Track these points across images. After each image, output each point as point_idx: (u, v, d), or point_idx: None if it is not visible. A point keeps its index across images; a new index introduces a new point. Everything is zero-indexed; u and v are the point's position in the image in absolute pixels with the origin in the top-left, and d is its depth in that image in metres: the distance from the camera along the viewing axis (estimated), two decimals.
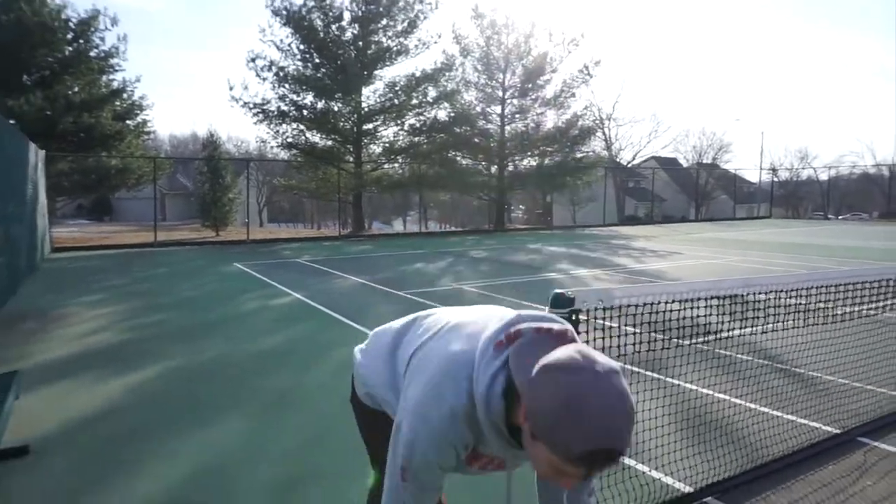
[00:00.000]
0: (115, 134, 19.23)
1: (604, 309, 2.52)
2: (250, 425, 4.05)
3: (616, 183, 45.23)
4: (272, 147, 24.69)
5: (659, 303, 2.72)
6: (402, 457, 1.33)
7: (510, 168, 27.71)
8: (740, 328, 3.35)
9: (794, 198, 54.35)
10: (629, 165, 50.66)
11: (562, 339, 1.26)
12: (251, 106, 22.17)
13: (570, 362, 1.09)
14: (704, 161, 54.41)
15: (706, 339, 5.67)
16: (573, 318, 2.41)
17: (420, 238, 21.78)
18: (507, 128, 26.53)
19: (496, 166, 26.87)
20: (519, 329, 1.27)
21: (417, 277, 11.00)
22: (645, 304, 2.69)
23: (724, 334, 5.74)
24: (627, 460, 3.46)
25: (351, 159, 24.09)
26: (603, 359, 1.12)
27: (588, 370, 1.07)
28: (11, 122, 13.93)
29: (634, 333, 2.81)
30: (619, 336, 2.73)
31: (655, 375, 4.79)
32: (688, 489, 3.10)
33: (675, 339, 3.51)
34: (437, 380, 1.31)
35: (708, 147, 56.14)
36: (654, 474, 3.30)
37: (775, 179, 46.08)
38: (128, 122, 20.73)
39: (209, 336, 6.48)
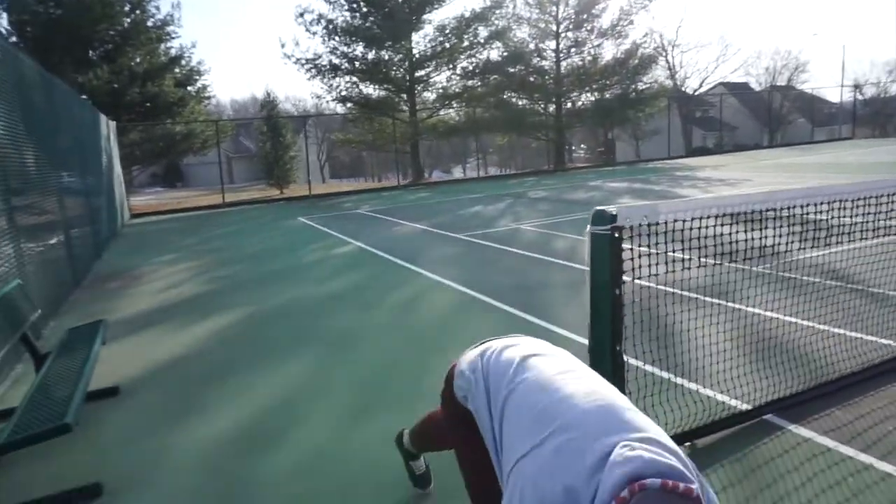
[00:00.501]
0: (177, 101, 19.86)
1: (649, 225, 2.47)
2: (319, 361, 4.26)
3: (682, 113, 43.19)
4: (327, 102, 24.86)
5: (709, 217, 2.64)
6: None
7: (568, 106, 26.92)
8: (805, 249, 3.20)
9: (881, 116, 50.36)
10: (695, 94, 48.13)
11: (687, 501, 1.16)
12: (303, 62, 22.33)
13: None
14: (779, 83, 50.97)
15: (768, 261, 5.47)
16: (616, 235, 2.38)
17: (479, 182, 21.66)
18: (563, 63, 25.63)
19: (553, 105, 26.14)
20: (644, 484, 1.17)
21: (475, 220, 11.02)
22: (693, 220, 2.61)
23: (791, 257, 5.52)
24: (682, 380, 3.45)
25: (405, 108, 24.00)
26: None
27: None
28: (83, 97, 14.64)
29: (685, 259, 2.76)
30: (668, 262, 2.68)
31: (715, 301, 4.69)
32: (745, 406, 3.07)
33: (734, 263, 3.41)
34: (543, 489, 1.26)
35: (782, 68, 52.37)
36: (709, 392, 3.28)
37: (859, 97, 42.73)
38: (188, 88, 21.34)
39: (277, 284, 6.77)
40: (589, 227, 2.39)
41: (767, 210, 2.81)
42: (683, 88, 47.01)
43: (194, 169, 40.84)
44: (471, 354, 1.83)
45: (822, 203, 3.01)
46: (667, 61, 45.02)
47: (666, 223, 2.54)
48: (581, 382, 1.52)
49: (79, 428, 3.37)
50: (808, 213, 3.03)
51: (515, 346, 1.74)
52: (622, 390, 2.53)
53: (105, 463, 2.98)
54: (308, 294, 6.24)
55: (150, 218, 15.86)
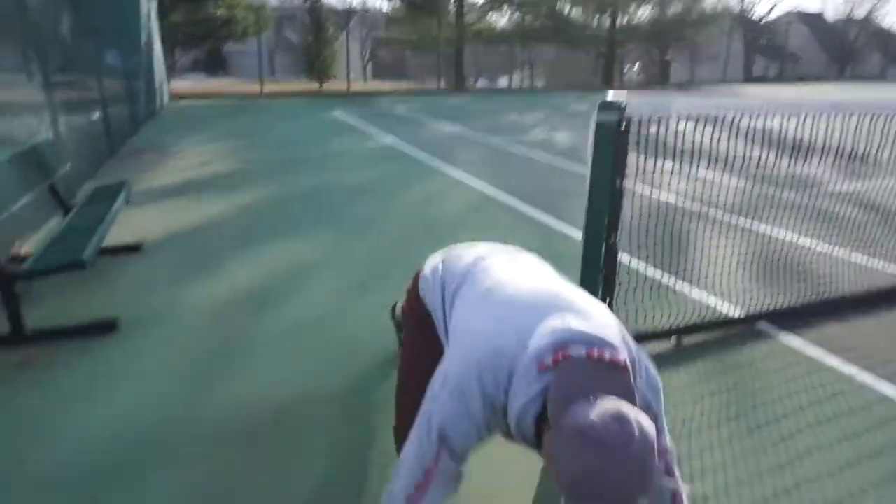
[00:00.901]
0: None
1: (658, 120, 2.42)
2: (334, 239, 4.39)
3: (745, 39, 40.63)
4: None
5: (724, 120, 2.56)
6: (438, 427, 1.30)
7: (623, 21, 25.54)
8: (827, 170, 3.09)
9: None
10: (762, 21, 45.03)
11: (613, 371, 1.17)
12: None
13: (606, 433, 1.03)
14: (856, 16, 47.24)
15: (789, 183, 5.32)
16: (622, 127, 2.34)
17: (521, 94, 21.07)
18: None
19: (608, 17, 24.84)
20: (568, 353, 1.18)
21: (510, 127, 10.83)
22: (707, 122, 2.53)
23: (826, 187, 5.36)
24: (675, 280, 3.47)
25: (452, 9, 23.08)
26: (640, 430, 1.05)
27: (620, 450, 1.02)
28: None
29: (691, 166, 2.71)
30: (675, 166, 2.64)
31: (733, 220, 4.63)
32: (738, 312, 3.10)
33: (747, 180, 3.33)
34: (481, 362, 1.28)
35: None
36: (702, 295, 3.31)
37: None
38: None
39: (305, 171, 6.87)
40: (595, 115, 2.35)
41: (790, 116, 2.71)
42: (750, 14, 43.96)
43: (237, 57, 40.38)
44: (435, 257, 1.85)
45: (852, 115, 2.88)
46: None
47: (678, 122, 2.48)
48: (535, 274, 1.56)
49: (100, 275, 3.61)
50: (833, 129, 2.92)
51: (476, 247, 1.78)
52: (612, 282, 2.58)
53: (123, 306, 3.19)
54: (333, 182, 6.32)
55: (189, 101, 15.95)
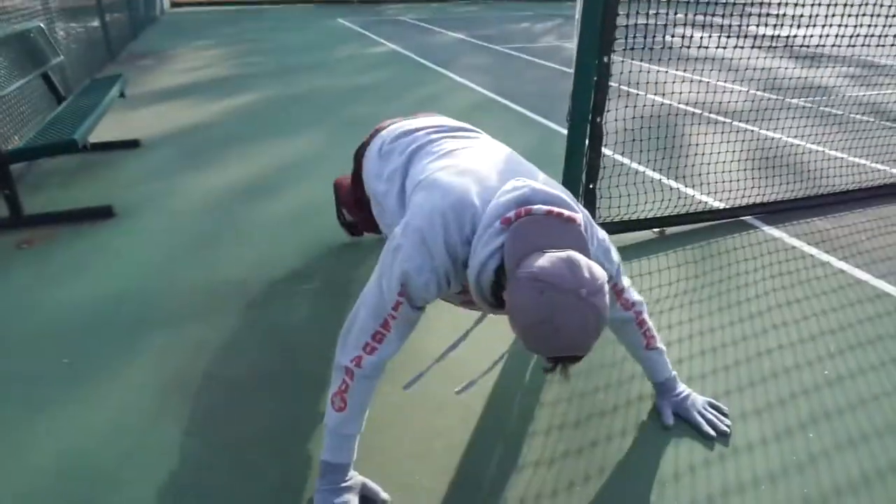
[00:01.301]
0: None
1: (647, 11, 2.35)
2: (329, 137, 4.38)
3: None
4: None
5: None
6: (399, 275, 1.31)
7: None
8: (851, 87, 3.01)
9: None
10: None
11: (570, 228, 1.21)
12: None
13: (558, 279, 1.08)
14: None
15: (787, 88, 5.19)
16: None
17: (537, 1, 20.21)
18: None
19: None
20: (530, 209, 1.22)
21: (518, 35, 10.47)
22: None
23: (839, 94, 5.21)
24: (661, 176, 3.48)
25: None
26: (590, 275, 1.10)
27: (572, 293, 1.06)
28: None
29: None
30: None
31: (738, 123, 4.56)
32: (722, 205, 3.12)
33: (740, 85, 3.25)
34: (445, 213, 1.30)
35: None
36: (689, 190, 3.33)
37: None
38: None
39: (305, 75, 6.75)
40: None
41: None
42: None
43: None
44: (379, 135, 1.86)
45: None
46: None
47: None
48: (497, 146, 1.62)
49: (97, 168, 3.66)
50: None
51: (433, 117, 1.82)
52: (596, 165, 2.59)
53: (119, 196, 3.25)
54: (333, 84, 6.23)
55: (191, 8, 15.49)
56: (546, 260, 1.11)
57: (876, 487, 1.50)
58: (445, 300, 1.55)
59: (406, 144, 1.68)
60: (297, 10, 15.18)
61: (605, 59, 2.36)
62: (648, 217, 2.85)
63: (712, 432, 1.65)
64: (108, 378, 1.86)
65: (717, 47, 3.40)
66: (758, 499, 1.46)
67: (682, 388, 1.75)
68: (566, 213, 1.23)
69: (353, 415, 1.39)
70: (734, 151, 3.81)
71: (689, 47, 4.89)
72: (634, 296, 1.61)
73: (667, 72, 5.36)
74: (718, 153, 3.61)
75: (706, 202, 3.22)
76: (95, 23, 7.01)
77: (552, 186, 1.37)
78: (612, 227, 2.76)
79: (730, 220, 3.03)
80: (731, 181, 3.36)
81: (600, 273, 1.12)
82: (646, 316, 1.64)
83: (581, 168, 2.56)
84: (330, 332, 2.07)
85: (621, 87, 3.89)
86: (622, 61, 6.14)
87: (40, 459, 1.55)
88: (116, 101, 3.92)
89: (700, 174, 3.53)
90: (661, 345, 1.69)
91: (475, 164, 1.45)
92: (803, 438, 1.66)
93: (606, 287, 1.13)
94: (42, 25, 3.92)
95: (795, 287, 2.44)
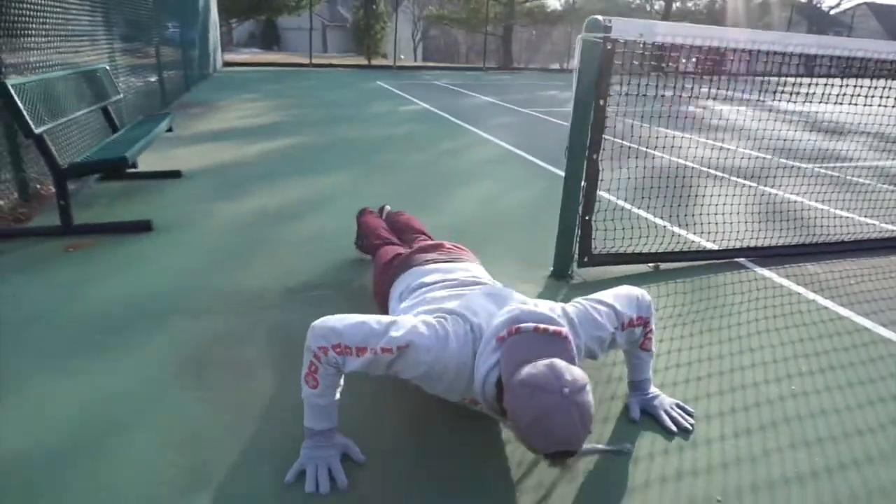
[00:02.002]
0: None
1: (643, 44, 2.60)
2: (355, 178, 4.70)
3: (809, 30, 39.13)
4: None
5: (709, 49, 2.73)
6: (406, 340, 1.49)
7: (676, 5, 25.06)
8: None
9: None
10: (831, 12, 43.24)
11: (555, 340, 1.41)
12: None
13: (544, 382, 1.27)
14: None
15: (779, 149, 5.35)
16: (607, 45, 2.54)
17: (568, 73, 20.95)
18: None
19: (662, 2, 24.41)
20: (519, 327, 1.43)
21: (545, 100, 10.95)
22: (693, 50, 2.71)
23: (842, 162, 5.37)
24: (656, 218, 3.65)
25: None
26: (572, 377, 1.28)
27: (557, 393, 1.27)
28: None
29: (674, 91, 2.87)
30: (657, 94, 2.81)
31: (736, 178, 4.73)
32: (719, 246, 3.27)
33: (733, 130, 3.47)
34: (454, 331, 1.52)
35: None
36: (682, 232, 3.49)
37: None
38: None
39: (340, 126, 7.20)
40: (582, 33, 2.56)
41: (775, 54, 2.85)
42: (817, 3, 42.27)
43: (292, 34, 41.06)
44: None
45: (839, 54, 2.99)
46: None
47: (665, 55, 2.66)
48: (492, 282, 1.95)
49: (142, 193, 4.01)
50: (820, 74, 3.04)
51: (460, 263, 2.11)
52: (593, 196, 2.79)
53: (159, 214, 3.56)
54: (366, 135, 6.64)
55: (241, 68, 16.54)
56: (533, 367, 1.32)
57: (822, 481, 1.60)
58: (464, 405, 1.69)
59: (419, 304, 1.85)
60: (339, 73, 16.09)
61: (601, 102, 2.61)
62: (643, 252, 3.02)
63: (674, 427, 1.79)
64: (132, 354, 2.08)
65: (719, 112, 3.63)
66: (709, 482, 1.58)
67: (654, 390, 1.90)
68: (551, 328, 1.44)
69: (325, 390, 1.56)
70: (731, 204, 3.98)
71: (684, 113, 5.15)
72: (649, 312, 1.80)
73: (667, 131, 5.63)
74: (715, 204, 3.79)
75: (700, 243, 3.38)
76: (153, 77, 7.66)
77: (539, 305, 1.59)
78: (607, 259, 2.94)
79: (722, 260, 3.18)
80: (725, 224, 3.52)
81: (581, 375, 1.31)
82: (653, 323, 1.81)
83: (578, 201, 2.77)
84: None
85: (620, 141, 4.15)
86: (619, 118, 6.43)
87: (66, 411, 1.76)
88: (163, 139, 4.33)
89: (696, 218, 3.71)
90: (653, 349, 1.87)
91: (481, 293, 1.72)
92: (760, 437, 1.77)
93: (589, 387, 1.32)
94: (107, 67, 4.39)
95: (778, 318, 2.56)
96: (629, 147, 4.55)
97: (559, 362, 1.33)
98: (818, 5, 42.24)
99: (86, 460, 1.57)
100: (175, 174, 4.49)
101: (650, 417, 1.84)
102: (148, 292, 2.56)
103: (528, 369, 1.31)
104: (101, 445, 1.63)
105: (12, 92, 2.86)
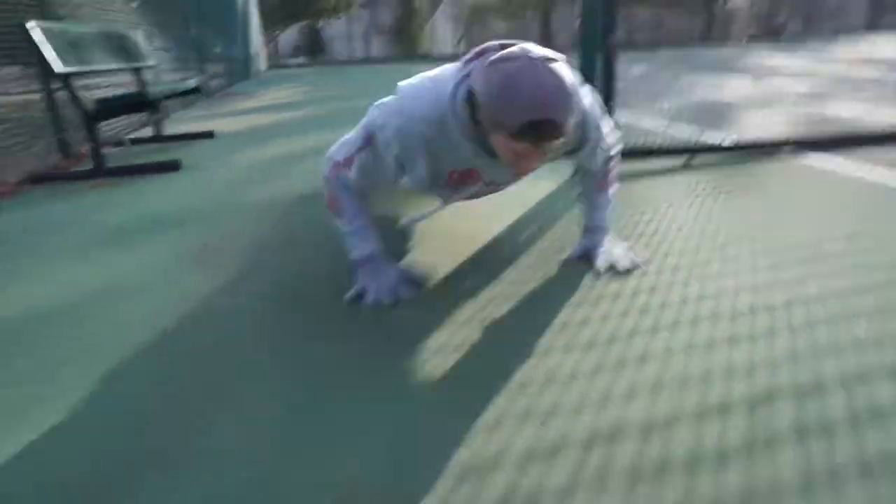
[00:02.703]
0: None
1: None
2: None
3: None
4: None
5: None
6: (369, 127, 1.42)
7: None
8: None
9: None
10: None
11: (527, 58, 1.21)
12: None
13: (509, 54, 1.16)
14: None
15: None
16: None
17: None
18: None
19: None
20: (484, 48, 1.29)
21: None
22: None
23: None
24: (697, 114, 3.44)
25: None
26: (542, 51, 1.18)
27: (523, 58, 1.15)
28: None
29: None
30: None
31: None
32: (762, 139, 3.07)
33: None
34: (416, 94, 1.36)
35: None
36: (727, 127, 3.30)
37: None
38: None
39: (368, 98, 7.25)
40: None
41: None
42: None
43: (336, 43, 42.15)
44: None
45: None
46: None
47: None
48: None
49: (176, 147, 4.11)
50: None
51: None
52: (612, 80, 2.66)
53: (188, 159, 3.63)
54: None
55: (280, 70, 16.96)
56: (500, 53, 1.20)
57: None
58: (443, 194, 1.58)
59: None
60: (379, 68, 16.26)
61: None
62: (674, 146, 2.86)
63: (602, 267, 1.64)
64: (146, 247, 2.10)
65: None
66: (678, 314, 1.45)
67: (609, 240, 1.73)
68: (525, 45, 1.25)
69: (353, 213, 1.55)
70: (771, 94, 3.74)
71: None
72: (613, 148, 1.63)
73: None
74: (750, 95, 3.57)
75: (737, 137, 3.18)
76: (195, 67, 7.91)
77: None
78: (635, 154, 2.80)
79: (763, 152, 2.97)
80: (767, 115, 3.30)
81: (555, 53, 1.18)
82: (614, 163, 1.66)
83: (595, 90, 2.64)
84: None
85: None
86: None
87: (84, 282, 1.78)
88: (200, 115, 4.42)
89: (731, 110, 3.48)
90: (611, 193, 1.69)
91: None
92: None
93: (566, 66, 1.17)
94: (142, 32, 4.53)
95: (810, 189, 2.37)
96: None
97: (529, 44, 1.19)
98: None
99: (101, 310, 1.60)
100: (208, 134, 4.59)
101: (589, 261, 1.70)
102: (168, 209, 2.59)
103: (496, 55, 1.18)
104: (113, 301, 1.65)
105: (33, 34, 2.97)
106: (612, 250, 1.69)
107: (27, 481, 0.96)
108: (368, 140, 1.44)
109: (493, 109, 1.15)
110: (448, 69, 1.39)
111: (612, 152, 1.64)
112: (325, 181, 1.57)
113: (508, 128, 1.13)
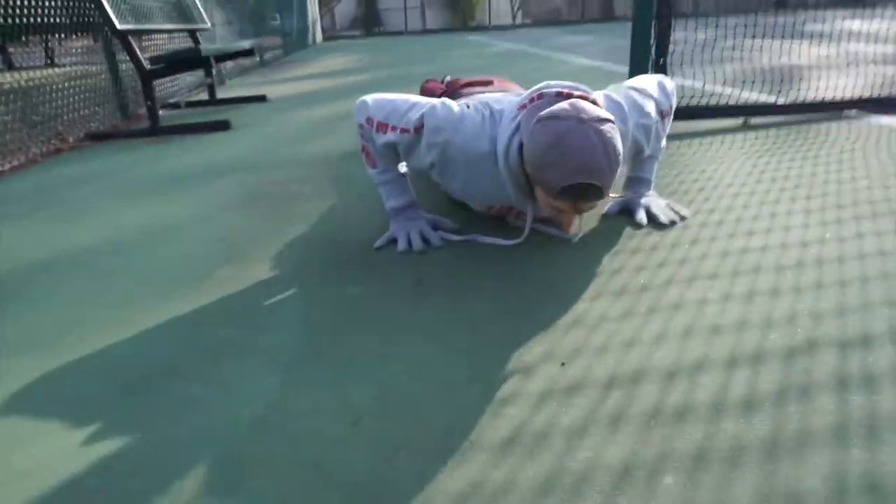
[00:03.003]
0: None
1: None
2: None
3: None
4: None
5: None
6: (424, 121, 1.40)
7: None
8: None
9: None
10: None
11: (580, 101, 1.24)
12: None
13: (559, 112, 1.17)
14: None
15: None
16: None
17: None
18: None
19: None
20: (542, 93, 1.29)
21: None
22: None
23: None
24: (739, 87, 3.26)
25: None
26: (594, 110, 1.18)
27: (573, 118, 1.15)
28: None
29: None
30: None
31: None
32: (823, 97, 2.89)
33: None
34: (477, 121, 1.38)
35: None
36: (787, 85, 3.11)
37: None
38: None
39: (425, 63, 7.20)
40: None
41: None
42: None
43: (391, 14, 41.98)
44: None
45: None
46: None
47: None
48: None
49: (226, 111, 4.18)
50: None
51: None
52: (667, 35, 2.54)
53: (239, 120, 3.70)
54: (446, 67, 6.58)
55: (336, 41, 17.02)
56: (551, 107, 1.21)
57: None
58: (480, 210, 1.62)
59: None
60: (435, 37, 16.12)
61: None
62: (731, 105, 2.72)
63: (644, 220, 1.58)
64: (192, 194, 2.15)
65: None
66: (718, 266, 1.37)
67: (652, 193, 1.69)
68: (576, 93, 1.28)
69: (383, 167, 1.56)
70: (834, 55, 3.51)
71: None
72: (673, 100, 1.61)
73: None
74: (813, 55, 3.35)
75: (796, 96, 3.00)
76: (251, 38, 8.02)
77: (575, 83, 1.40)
78: (690, 112, 2.68)
79: (825, 113, 2.80)
80: (830, 73, 3.10)
81: (605, 112, 1.19)
82: (668, 117, 1.61)
83: (649, 41, 2.53)
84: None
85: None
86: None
87: (133, 221, 1.84)
88: (254, 81, 4.49)
89: (792, 69, 3.29)
90: (662, 144, 1.66)
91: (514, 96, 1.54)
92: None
93: (615, 128, 1.18)
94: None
95: (893, 159, 2.21)
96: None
97: (581, 101, 1.21)
98: None
99: (151, 246, 1.67)
100: (261, 98, 4.65)
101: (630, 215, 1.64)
102: (217, 160, 2.65)
103: (543, 112, 1.21)
104: (159, 238, 1.71)
105: None
106: (654, 203, 1.64)
107: (132, 367, 1.00)
108: (416, 131, 1.42)
109: (536, 168, 1.19)
110: (511, 102, 1.41)
111: (668, 104, 1.59)
112: (357, 127, 1.55)
113: (550, 189, 1.18)
